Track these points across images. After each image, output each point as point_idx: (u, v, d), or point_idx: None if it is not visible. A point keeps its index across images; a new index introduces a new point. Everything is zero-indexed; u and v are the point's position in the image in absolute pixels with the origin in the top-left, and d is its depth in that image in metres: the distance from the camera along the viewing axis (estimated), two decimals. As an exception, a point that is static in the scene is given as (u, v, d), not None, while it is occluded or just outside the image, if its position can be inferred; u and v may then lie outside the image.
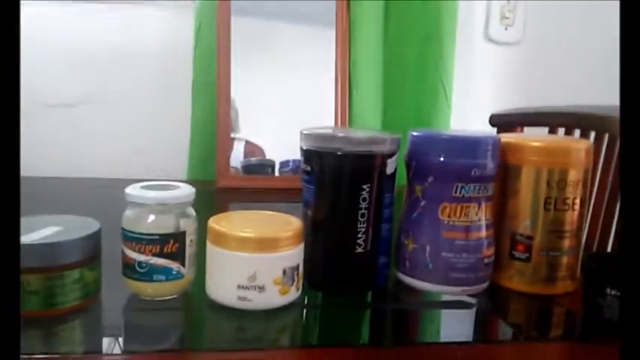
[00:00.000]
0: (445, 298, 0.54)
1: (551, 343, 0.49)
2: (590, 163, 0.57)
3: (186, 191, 0.51)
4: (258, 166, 1.08)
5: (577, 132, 0.82)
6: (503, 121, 0.94)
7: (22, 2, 1.02)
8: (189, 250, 0.50)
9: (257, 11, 1.07)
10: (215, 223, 0.49)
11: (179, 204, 0.50)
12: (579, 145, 0.57)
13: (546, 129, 0.90)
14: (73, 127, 1.12)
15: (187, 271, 0.50)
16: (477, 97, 1.24)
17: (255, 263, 0.47)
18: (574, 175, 0.55)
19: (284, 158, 1.08)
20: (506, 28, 1.23)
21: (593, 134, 0.78)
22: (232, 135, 1.07)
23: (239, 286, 0.48)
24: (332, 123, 1.11)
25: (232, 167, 1.06)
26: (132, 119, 1.15)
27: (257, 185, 1.06)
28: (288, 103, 1.10)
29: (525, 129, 0.92)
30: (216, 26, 1.05)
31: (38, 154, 1.04)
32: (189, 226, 0.50)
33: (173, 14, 1.12)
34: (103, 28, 1.11)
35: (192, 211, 0.51)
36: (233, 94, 1.06)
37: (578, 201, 0.56)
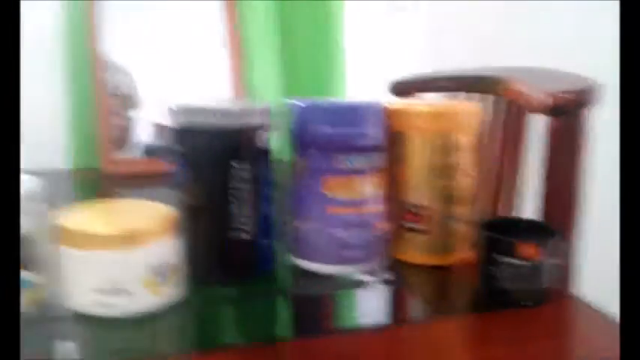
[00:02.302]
0: (341, 278, 0.51)
1: (450, 317, 0.46)
2: (478, 127, 0.55)
3: (29, 183, 0.43)
4: (163, 149, 0.99)
5: (475, 96, 0.81)
6: (401, 89, 0.92)
7: None
8: (41, 253, 0.43)
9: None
10: (63, 218, 0.42)
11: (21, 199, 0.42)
12: (466, 108, 0.54)
13: (443, 94, 0.88)
14: None
15: (39, 279, 0.43)
16: (376, 64, 1.21)
17: (113, 263, 0.41)
18: (464, 140, 0.53)
19: None
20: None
21: (491, 98, 0.77)
22: (133, 114, 0.97)
23: (100, 292, 0.41)
24: (228, 95, 1.04)
25: (130, 151, 0.96)
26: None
27: (154, 170, 0.96)
28: (182, 78, 1.01)
29: (420, 95, 0.90)
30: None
31: None
32: (35, 225, 0.43)
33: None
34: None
35: (39, 207, 0.44)
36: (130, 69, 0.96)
37: (468, 166, 0.54)
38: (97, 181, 0.91)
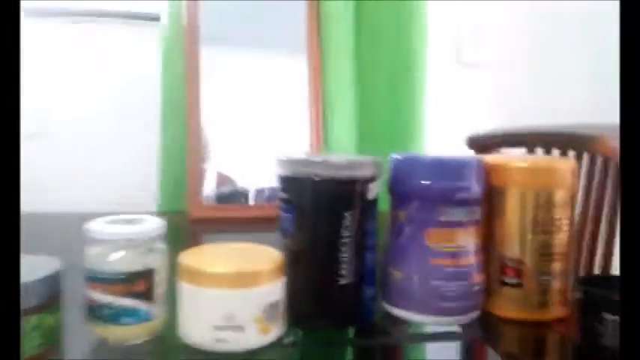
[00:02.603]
0: (436, 329, 0.51)
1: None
2: (575, 184, 0.56)
3: (154, 225, 0.47)
4: (231, 195, 1.05)
5: (555, 152, 0.81)
6: (480, 143, 0.93)
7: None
8: (160, 289, 0.47)
9: (225, 39, 1.05)
10: (186, 258, 0.46)
11: (147, 239, 0.46)
12: (564, 165, 0.55)
13: (524, 150, 0.89)
14: (39, 159, 1.07)
15: (158, 312, 0.46)
16: (450, 119, 1.24)
17: (232, 301, 0.44)
18: (561, 196, 0.54)
19: (259, 186, 1.05)
20: (476, 51, 1.24)
21: (571, 153, 0.77)
22: (203, 164, 1.04)
23: (215, 327, 0.44)
24: (306, 148, 1.09)
25: (204, 197, 1.02)
26: (99, 149, 1.11)
27: (231, 215, 1.02)
28: (262, 130, 1.07)
29: (502, 150, 0.91)
30: (184, 54, 1.02)
31: None
32: (158, 262, 0.47)
33: (139, 40, 1.10)
34: (69, 55, 1.08)
35: (161, 246, 0.48)
36: (202, 122, 1.03)
37: (566, 222, 0.54)
38: (184, 224, 0.96)
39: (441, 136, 1.20)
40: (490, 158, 0.56)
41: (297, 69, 1.10)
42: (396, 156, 0.53)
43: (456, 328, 0.51)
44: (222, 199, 1.04)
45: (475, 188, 0.51)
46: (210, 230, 0.93)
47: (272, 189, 1.06)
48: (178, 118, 1.02)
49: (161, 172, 1.05)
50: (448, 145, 1.21)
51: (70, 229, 0.84)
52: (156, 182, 1.05)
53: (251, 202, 1.05)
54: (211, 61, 1.04)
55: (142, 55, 1.09)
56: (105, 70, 1.10)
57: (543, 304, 0.54)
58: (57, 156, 1.09)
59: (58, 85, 1.08)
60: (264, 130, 1.07)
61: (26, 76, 1.05)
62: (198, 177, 1.02)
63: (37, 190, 1.05)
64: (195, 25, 1.02)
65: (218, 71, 1.05)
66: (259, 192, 1.06)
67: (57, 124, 1.09)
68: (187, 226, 0.94)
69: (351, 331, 0.52)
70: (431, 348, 0.51)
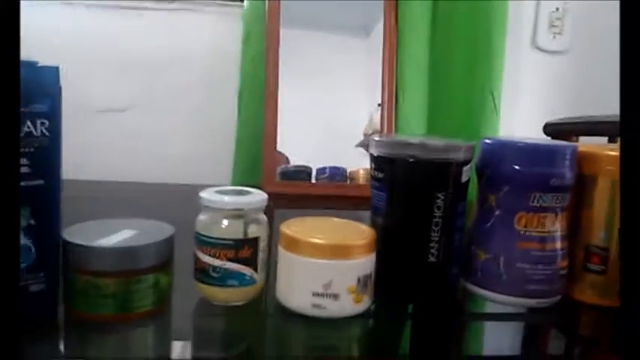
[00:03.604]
0: (517, 310, 0.53)
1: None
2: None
3: (259, 197, 0.51)
4: (294, 172, 1.09)
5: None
6: (558, 130, 0.92)
7: (71, 9, 1.04)
8: (262, 256, 0.50)
9: (301, 21, 1.08)
10: (287, 228, 0.49)
11: (253, 209, 0.50)
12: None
13: (604, 139, 0.88)
14: (120, 132, 1.14)
15: (259, 277, 0.50)
16: (523, 105, 1.22)
17: (331, 270, 0.47)
18: (652, 186, 0.53)
19: (320, 165, 1.09)
20: (554, 37, 1.21)
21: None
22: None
23: (314, 294, 0.47)
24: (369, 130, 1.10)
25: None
26: (178, 124, 1.16)
27: (298, 192, 1.06)
28: (329, 110, 1.10)
29: (581, 138, 0.90)
30: (265, 36, 1.05)
31: (88, 159, 1.06)
32: (262, 231, 0.50)
33: (220, 20, 1.14)
34: (151, 33, 1.13)
35: (264, 217, 0.51)
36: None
37: (656, 213, 0.54)
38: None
39: (511, 120, 1.18)
40: (581, 146, 0.56)
41: (371, 50, 1.12)
42: (487, 140, 0.55)
43: (537, 310, 0.53)
44: (286, 175, 1.08)
45: (568, 175, 0.52)
46: (285, 205, 0.97)
47: (332, 168, 1.09)
48: (256, 97, 1.06)
49: (237, 148, 1.09)
50: (518, 129, 1.20)
51: (164, 197, 0.89)
52: (231, 157, 1.10)
53: (313, 180, 1.09)
54: (287, 41, 1.07)
55: (223, 35, 1.13)
56: (187, 48, 1.14)
57: (628, 293, 0.54)
58: (137, 130, 1.15)
59: (142, 62, 1.13)
60: (332, 110, 1.10)
61: (110, 52, 1.11)
62: (274, 154, 1.06)
63: (122, 161, 1.12)
64: (276, 6, 1.05)
65: (293, 50, 1.07)
66: (321, 170, 1.09)
67: (139, 100, 1.14)
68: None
69: (437, 308, 0.54)
70: (516, 331, 0.53)
